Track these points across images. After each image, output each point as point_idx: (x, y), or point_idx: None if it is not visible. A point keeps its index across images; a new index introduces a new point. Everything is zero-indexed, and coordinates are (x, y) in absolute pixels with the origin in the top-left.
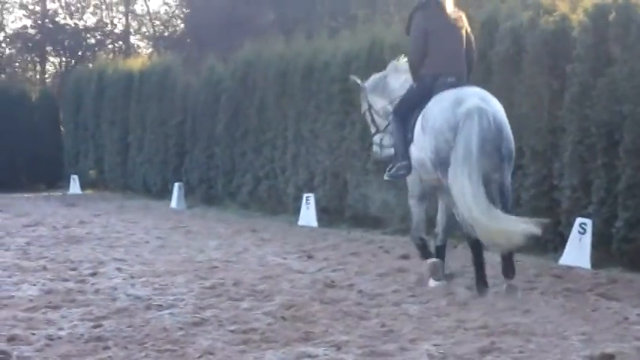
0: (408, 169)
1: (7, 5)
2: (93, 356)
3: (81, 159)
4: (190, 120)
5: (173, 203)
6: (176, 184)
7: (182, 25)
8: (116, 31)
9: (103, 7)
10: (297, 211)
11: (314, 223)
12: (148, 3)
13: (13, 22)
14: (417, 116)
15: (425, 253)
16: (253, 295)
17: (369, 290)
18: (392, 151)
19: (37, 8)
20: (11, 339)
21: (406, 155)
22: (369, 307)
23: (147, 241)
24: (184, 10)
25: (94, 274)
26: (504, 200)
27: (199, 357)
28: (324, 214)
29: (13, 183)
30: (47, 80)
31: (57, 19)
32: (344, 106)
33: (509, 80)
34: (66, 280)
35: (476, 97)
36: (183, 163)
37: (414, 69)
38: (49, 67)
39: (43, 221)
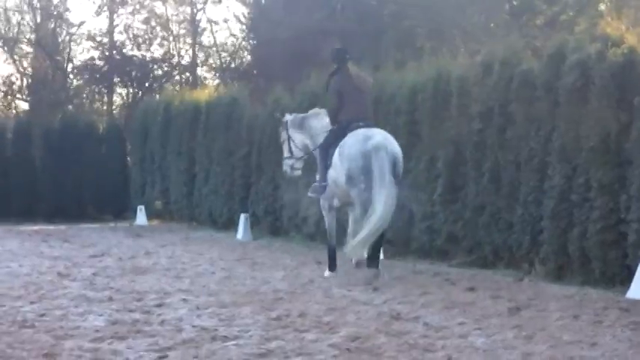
0: (325, 188)
1: (75, 37)
2: None
3: (147, 190)
4: (256, 151)
5: (239, 235)
6: (242, 216)
7: (249, 57)
8: (183, 62)
9: (171, 38)
10: None
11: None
12: (215, 35)
13: (81, 53)
14: (335, 149)
15: (331, 255)
16: (319, 326)
17: (435, 323)
18: (299, 172)
19: (105, 40)
20: None
21: (324, 178)
22: (435, 339)
23: (213, 272)
24: (251, 41)
25: (159, 305)
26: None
27: None
28: (390, 246)
29: (80, 213)
30: (114, 111)
31: (124, 50)
32: (410, 139)
33: (576, 112)
34: (132, 310)
35: (380, 135)
36: (249, 195)
37: (333, 116)
38: (117, 98)
39: (110, 252)
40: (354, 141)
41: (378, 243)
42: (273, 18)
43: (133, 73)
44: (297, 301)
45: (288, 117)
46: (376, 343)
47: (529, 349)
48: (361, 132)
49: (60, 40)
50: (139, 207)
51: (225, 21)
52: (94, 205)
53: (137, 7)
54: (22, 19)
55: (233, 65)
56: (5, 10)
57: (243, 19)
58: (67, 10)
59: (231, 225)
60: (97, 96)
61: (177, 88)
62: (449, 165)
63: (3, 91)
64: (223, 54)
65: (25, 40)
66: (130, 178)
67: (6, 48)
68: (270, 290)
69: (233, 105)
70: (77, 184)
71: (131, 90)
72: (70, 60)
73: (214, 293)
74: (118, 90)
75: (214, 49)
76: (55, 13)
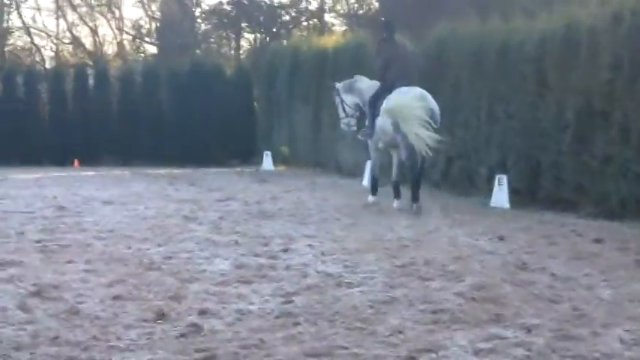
0: (372, 134)
1: None
2: (283, 332)
3: (274, 135)
4: None
5: (365, 181)
6: (368, 162)
7: (376, 4)
8: (311, 8)
9: None
10: (489, 192)
11: (506, 205)
12: None
13: None
14: (382, 102)
15: (374, 188)
16: (444, 275)
17: (561, 273)
18: (354, 128)
19: None
20: (203, 312)
21: (372, 125)
22: (561, 290)
23: (338, 219)
24: None
25: (285, 250)
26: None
27: (389, 335)
28: (517, 195)
29: (207, 158)
30: (242, 56)
31: None
32: (538, 87)
33: None
34: (257, 255)
35: (418, 90)
36: None
37: (381, 76)
38: (244, 43)
39: (235, 196)
40: (397, 94)
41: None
42: None
43: (261, 19)
44: (422, 249)
45: (338, 85)
46: (501, 293)
47: None
48: (404, 89)
49: None
50: (265, 152)
51: None
52: (220, 150)
53: None
54: None
55: (360, 12)
56: None
57: None
58: None
59: (356, 171)
60: (224, 41)
61: (304, 34)
62: (577, 115)
63: (132, 35)
64: (351, 0)
65: None
66: (257, 124)
67: None
68: (395, 238)
69: (360, 51)
70: (204, 128)
71: (259, 35)
72: (198, 4)
73: (339, 239)
74: (246, 35)
75: None
76: None
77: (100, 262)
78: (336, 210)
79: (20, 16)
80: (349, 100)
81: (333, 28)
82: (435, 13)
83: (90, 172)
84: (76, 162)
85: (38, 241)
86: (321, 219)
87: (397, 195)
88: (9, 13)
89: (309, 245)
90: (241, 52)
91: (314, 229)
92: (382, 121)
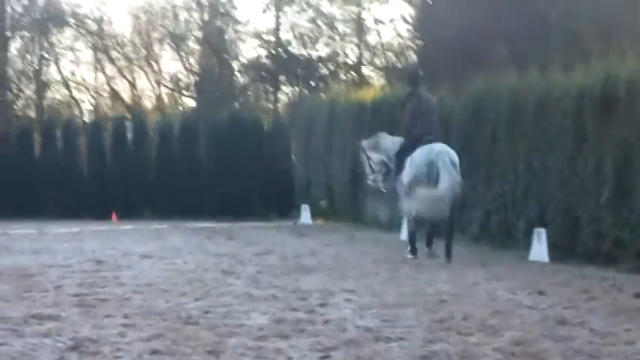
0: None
1: (241, 35)
2: None
3: (312, 189)
4: None
5: (403, 235)
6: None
7: (414, 57)
8: (349, 61)
9: (337, 37)
10: (527, 245)
11: (545, 259)
12: (381, 34)
13: (247, 51)
14: (408, 157)
15: (412, 244)
16: (483, 329)
17: (601, 328)
18: (381, 185)
19: (271, 38)
20: None
21: (399, 178)
22: (601, 345)
23: (376, 273)
24: (417, 41)
25: (323, 304)
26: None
27: None
28: (556, 249)
29: (245, 211)
30: (280, 109)
31: (290, 48)
32: (576, 141)
33: None
34: (295, 309)
35: (442, 145)
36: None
37: (407, 132)
38: (282, 97)
39: (274, 250)
40: (421, 151)
41: (432, 232)
42: (439, 18)
43: (299, 72)
44: (461, 304)
45: (364, 142)
46: (541, 348)
47: None
48: (427, 146)
49: (227, 37)
50: (303, 205)
51: (392, 21)
52: (258, 203)
53: (304, 5)
54: (190, 16)
55: (399, 65)
56: (173, 7)
57: (409, 19)
58: (234, 7)
59: (396, 226)
60: (262, 94)
61: (342, 87)
62: (616, 169)
63: (170, 88)
64: (389, 54)
65: (193, 38)
66: (295, 177)
67: (174, 45)
68: (434, 292)
69: (398, 105)
70: (242, 181)
71: (297, 88)
72: (236, 58)
73: (378, 293)
74: (284, 88)
75: (380, 48)
76: (222, 10)
77: (138, 317)
78: (375, 264)
79: (59, 70)
80: (375, 157)
81: (371, 82)
82: (473, 66)
83: (128, 226)
84: (114, 215)
85: (76, 295)
86: (359, 273)
87: (413, 247)
88: (48, 67)
89: (348, 299)
90: (279, 105)
91: (352, 283)
92: (405, 177)
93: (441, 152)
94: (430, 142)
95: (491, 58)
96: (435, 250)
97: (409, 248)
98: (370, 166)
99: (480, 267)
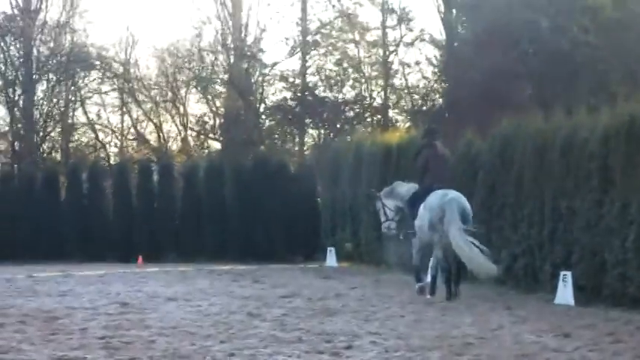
0: (414, 234)
1: (267, 77)
2: None
3: (338, 231)
4: None
5: (428, 278)
6: (432, 260)
7: (440, 100)
8: (375, 104)
9: (363, 80)
10: (553, 289)
11: (571, 302)
12: (407, 77)
13: (273, 94)
14: (420, 204)
15: (432, 286)
16: None
17: None
18: (394, 231)
19: (298, 81)
20: None
21: (412, 225)
22: None
23: (402, 315)
24: (443, 84)
25: (348, 347)
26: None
27: None
28: (581, 292)
29: (270, 254)
30: (306, 152)
31: (317, 91)
32: (602, 184)
33: None
34: (321, 352)
35: (454, 193)
36: None
37: (420, 179)
38: (308, 139)
39: (300, 293)
40: (434, 198)
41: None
42: (465, 61)
43: (325, 115)
44: (487, 347)
45: (379, 192)
46: None
47: None
48: (440, 192)
49: (253, 80)
50: (329, 248)
51: (417, 63)
52: (284, 246)
53: (329, 48)
54: (216, 59)
55: (425, 108)
56: (199, 50)
57: (434, 62)
58: (261, 50)
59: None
60: (288, 136)
61: (368, 129)
62: None
63: (196, 131)
64: (415, 96)
65: (219, 80)
66: (320, 219)
67: (200, 88)
68: (459, 335)
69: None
70: (268, 224)
71: (322, 131)
72: (262, 100)
73: (404, 336)
74: (310, 131)
75: (406, 91)
76: (248, 53)
77: (163, 359)
78: (401, 307)
79: (85, 113)
80: (390, 203)
81: (397, 124)
82: (499, 108)
83: (154, 269)
84: (140, 258)
85: (102, 338)
86: (385, 316)
87: (432, 290)
88: (74, 110)
89: (373, 342)
90: (305, 147)
91: (378, 326)
92: (420, 222)
93: (454, 199)
94: (440, 188)
95: (516, 99)
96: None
97: (418, 285)
98: (385, 213)
99: (505, 310)
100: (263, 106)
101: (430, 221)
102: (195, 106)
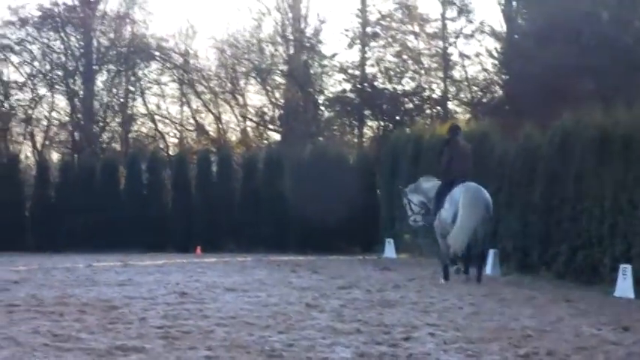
0: (433, 220)
1: (327, 69)
2: None
3: (396, 223)
4: (506, 187)
5: (488, 270)
6: (491, 251)
7: (500, 92)
8: (434, 96)
9: (422, 72)
10: (613, 282)
11: (631, 295)
12: (467, 69)
13: (332, 85)
14: (446, 196)
15: (445, 272)
16: None
17: None
18: (420, 223)
19: (357, 72)
20: None
21: (435, 215)
22: None
23: (460, 307)
24: (503, 76)
25: (407, 339)
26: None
27: None
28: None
29: (329, 245)
30: (364, 144)
31: (376, 83)
32: None
33: None
34: (379, 343)
35: (474, 186)
36: (499, 230)
37: (445, 174)
38: (367, 131)
39: (358, 284)
40: (458, 191)
41: (469, 258)
42: (525, 53)
43: (384, 106)
44: (546, 339)
45: (406, 189)
46: None
47: None
48: (464, 185)
49: (312, 71)
50: (387, 240)
51: (477, 55)
52: (342, 237)
53: (389, 40)
54: (276, 50)
55: (484, 100)
56: (259, 41)
57: (495, 54)
58: (320, 42)
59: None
60: (347, 128)
61: (427, 121)
62: None
63: (255, 122)
64: (474, 88)
65: (278, 72)
66: (379, 211)
67: (259, 79)
68: (518, 327)
69: (483, 140)
70: (326, 215)
71: (381, 123)
72: (321, 92)
73: (462, 328)
74: (369, 122)
75: (465, 83)
76: (307, 45)
77: (221, 349)
78: (459, 298)
79: (145, 103)
80: (415, 199)
81: (457, 116)
82: (559, 101)
83: (212, 259)
84: (198, 249)
85: (160, 327)
86: (443, 307)
87: (446, 275)
88: (134, 100)
89: (432, 334)
90: (364, 139)
91: (436, 318)
92: (445, 213)
93: (477, 193)
94: (463, 182)
95: (577, 93)
96: (469, 274)
97: (442, 275)
98: (411, 208)
99: (564, 302)
100: (322, 97)
101: (455, 213)
102: (255, 97)
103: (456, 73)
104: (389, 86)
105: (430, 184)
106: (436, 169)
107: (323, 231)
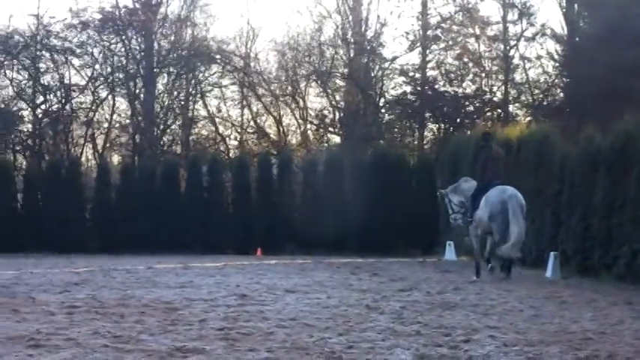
0: (472, 222)
1: (387, 72)
2: None
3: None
4: (567, 189)
5: (548, 273)
6: (551, 254)
7: (561, 94)
8: (495, 99)
9: (483, 75)
10: None
11: None
12: (528, 72)
13: (393, 88)
14: (482, 197)
15: (477, 269)
16: None
17: None
18: (460, 222)
19: (417, 75)
20: None
21: (472, 216)
22: None
23: (521, 310)
24: (564, 79)
25: (467, 341)
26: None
27: None
28: None
29: (389, 247)
30: (425, 146)
31: (436, 86)
32: None
33: None
34: (439, 345)
35: (512, 189)
36: (559, 233)
37: (480, 177)
38: (428, 134)
39: (418, 286)
40: (495, 192)
41: (508, 261)
42: (587, 56)
43: (445, 109)
44: (607, 342)
45: (446, 190)
46: None
47: None
48: (499, 187)
49: (372, 74)
50: (448, 242)
51: (538, 58)
52: (403, 239)
53: (450, 43)
54: (336, 53)
55: (545, 102)
56: (319, 44)
57: (556, 57)
58: (381, 45)
59: (540, 263)
60: (408, 131)
61: (488, 124)
62: None
63: (315, 124)
64: (536, 91)
65: (339, 74)
66: (440, 214)
67: (320, 81)
68: (578, 330)
69: (544, 142)
70: (387, 217)
71: (442, 125)
72: (382, 94)
73: (522, 331)
74: (430, 125)
75: (526, 86)
76: (368, 47)
77: (281, 351)
78: (519, 301)
79: (205, 106)
80: (455, 199)
81: (518, 119)
82: (621, 104)
83: (272, 261)
84: (258, 250)
85: (220, 329)
86: (503, 310)
87: (478, 272)
88: (194, 103)
89: (492, 336)
90: (425, 142)
91: (496, 320)
92: (481, 213)
93: (513, 195)
94: (498, 184)
95: (638, 95)
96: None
97: (475, 272)
98: (451, 207)
99: (625, 305)
100: (382, 100)
101: (490, 213)
102: (315, 99)
103: (517, 76)
104: (449, 89)
105: (468, 185)
106: (473, 173)
107: (383, 233)
